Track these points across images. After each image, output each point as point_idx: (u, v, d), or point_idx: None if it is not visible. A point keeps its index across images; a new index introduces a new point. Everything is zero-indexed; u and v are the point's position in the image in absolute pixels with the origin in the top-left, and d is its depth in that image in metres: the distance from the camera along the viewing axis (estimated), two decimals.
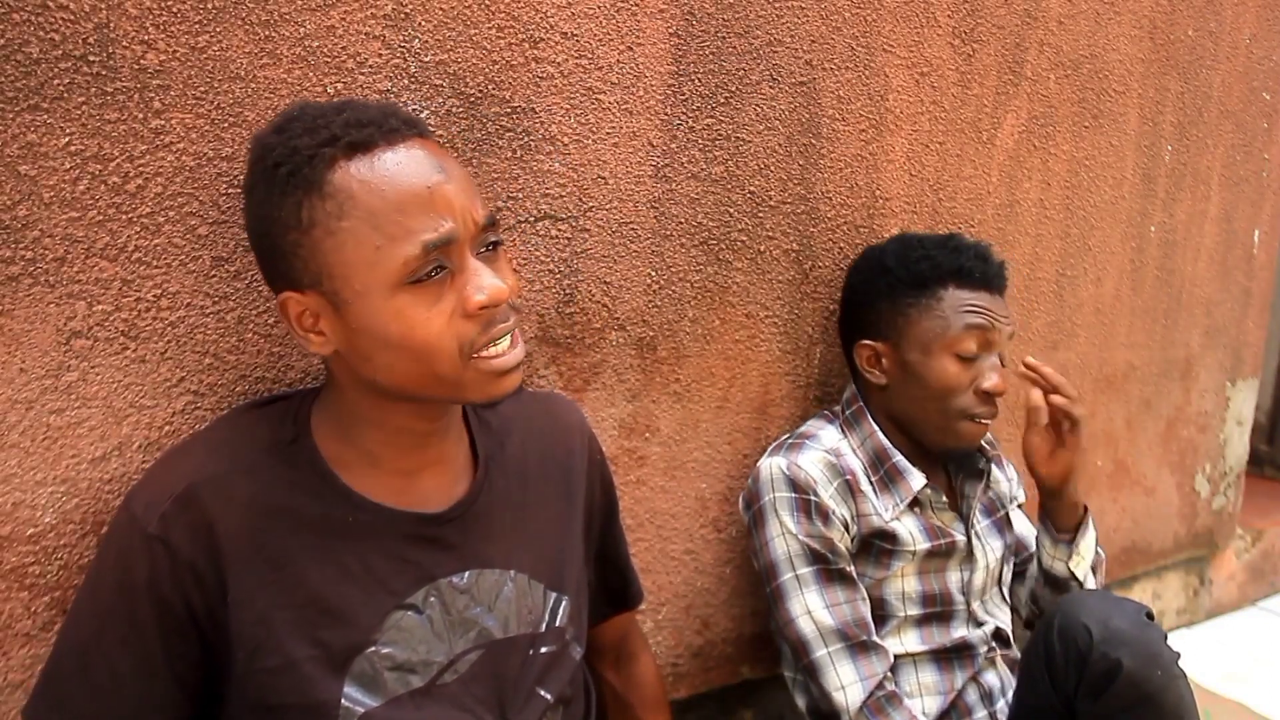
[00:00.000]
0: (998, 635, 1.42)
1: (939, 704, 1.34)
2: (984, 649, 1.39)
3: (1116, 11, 1.89)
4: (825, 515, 1.29)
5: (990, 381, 1.30)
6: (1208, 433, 2.47)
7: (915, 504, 1.36)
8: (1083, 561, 1.37)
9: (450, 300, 0.79)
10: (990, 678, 1.39)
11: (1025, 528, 1.55)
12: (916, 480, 1.34)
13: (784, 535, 1.30)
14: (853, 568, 1.33)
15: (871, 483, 1.35)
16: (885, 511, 1.33)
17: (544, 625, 0.95)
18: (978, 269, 1.32)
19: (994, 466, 1.47)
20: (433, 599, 0.88)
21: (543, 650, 0.94)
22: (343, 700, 0.82)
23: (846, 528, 1.31)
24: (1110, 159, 1.97)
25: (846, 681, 1.27)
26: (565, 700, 0.96)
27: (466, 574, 0.90)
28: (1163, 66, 2.03)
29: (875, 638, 1.30)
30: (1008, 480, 1.53)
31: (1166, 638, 1.20)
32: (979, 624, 1.40)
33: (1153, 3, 1.96)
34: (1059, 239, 1.91)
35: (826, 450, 1.35)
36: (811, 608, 1.29)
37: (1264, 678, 2.31)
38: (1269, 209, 2.46)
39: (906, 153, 1.59)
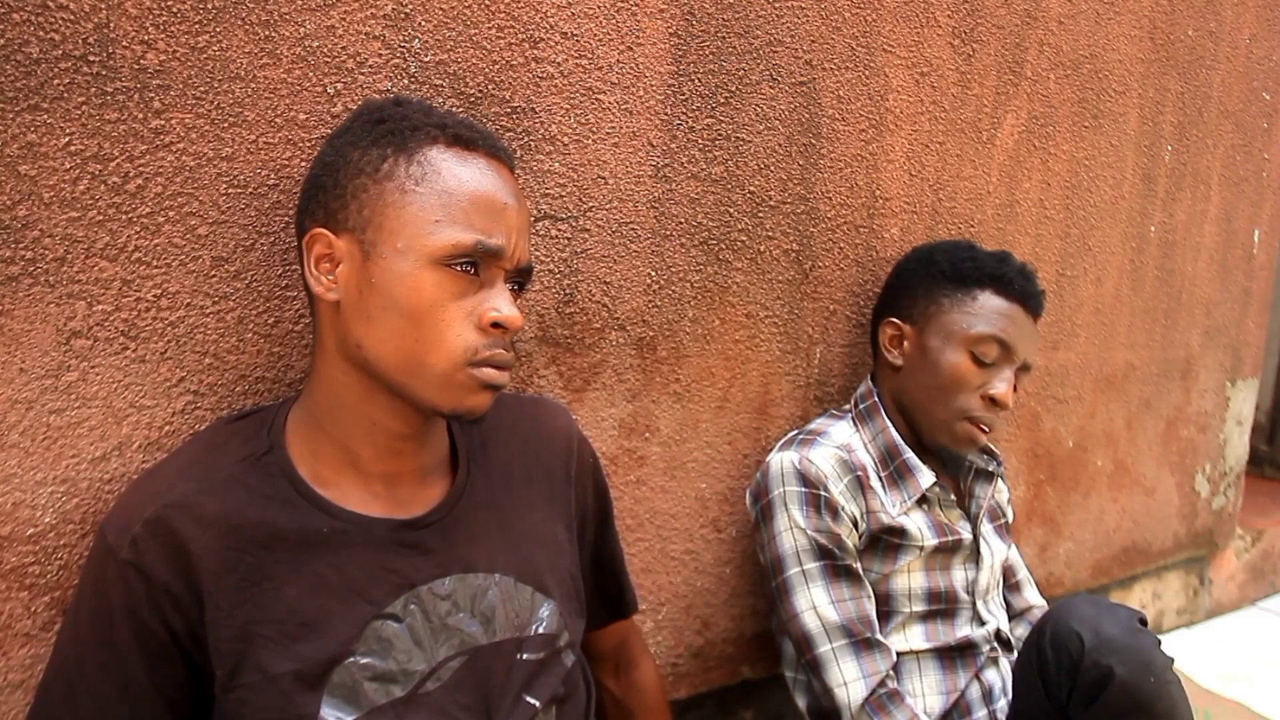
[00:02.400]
0: (998, 635, 1.42)
1: (942, 703, 1.35)
2: (986, 648, 1.39)
3: (1116, 11, 1.89)
4: (835, 511, 1.30)
5: (997, 389, 1.32)
6: (1208, 433, 2.47)
7: (924, 501, 1.37)
8: None
9: (470, 304, 0.83)
10: (991, 675, 1.39)
11: (1012, 552, 1.56)
12: (925, 478, 1.36)
13: (792, 530, 1.31)
14: (859, 564, 1.33)
15: (881, 479, 1.36)
16: (893, 507, 1.34)
17: (531, 629, 0.93)
18: (1018, 282, 1.35)
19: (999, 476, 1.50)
20: (413, 606, 0.86)
21: (529, 655, 0.93)
22: (321, 714, 0.81)
23: (855, 525, 1.32)
24: (1110, 159, 1.97)
25: (849, 678, 1.27)
26: (558, 702, 0.95)
27: (448, 579, 0.89)
28: (1163, 66, 2.03)
29: (879, 635, 1.30)
30: (1007, 493, 1.56)
31: (1159, 644, 1.19)
32: (982, 623, 1.41)
33: (1153, 3, 1.96)
34: (1059, 239, 1.91)
35: (838, 446, 1.35)
36: (817, 603, 1.29)
37: (1264, 678, 2.30)
38: (1269, 209, 2.46)
39: (906, 153, 1.59)
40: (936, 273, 1.38)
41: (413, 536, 0.88)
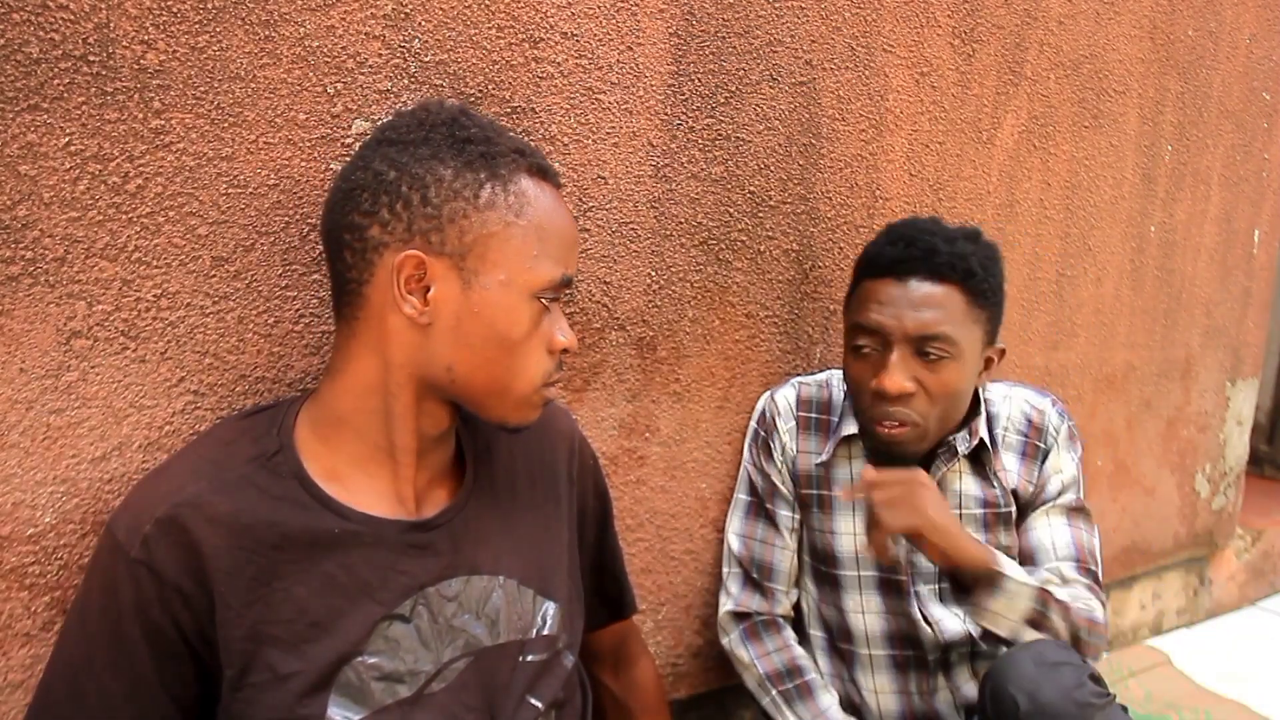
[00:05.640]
0: (948, 646, 1.34)
1: (898, 703, 1.36)
2: (932, 656, 1.34)
3: (1116, 11, 1.89)
4: (769, 452, 1.39)
5: (875, 380, 1.20)
6: (1208, 433, 2.47)
7: (874, 456, 1.30)
8: (1002, 620, 1.16)
9: (543, 330, 0.87)
10: (967, 689, 1.36)
11: (1046, 538, 1.33)
12: (848, 426, 1.33)
13: (745, 461, 1.45)
14: (788, 513, 1.38)
15: (833, 418, 1.37)
16: (825, 452, 1.35)
17: (534, 631, 0.94)
18: (886, 256, 1.22)
19: (1009, 457, 1.34)
20: (420, 607, 0.87)
21: (532, 657, 0.93)
22: (328, 714, 0.81)
23: (793, 465, 1.37)
24: (1110, 159, 1.97)
25: (726, 597, 1.43)
26: (558, 705, 0.95)
27: (454, 581, 0.89)
28: (1163, 66, 2.03)
29: (774, 584, 1.39)
30: (1032, 477, 1.35)
31: (1109, 702, 1.10)
32: (928, 621, 1.33)
33: (1153, 3, 1.96)
34: (1059, 239, 1.91)
35: (816, 382, 1.41)
36: (734, 530, 1.44)
37: (1264, 678, 2.31)
38: (1269, 209, 2.46)
39: (906, 153, 1.59)
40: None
41: (422, 538, 0.89)
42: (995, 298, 1.25)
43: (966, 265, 1.20)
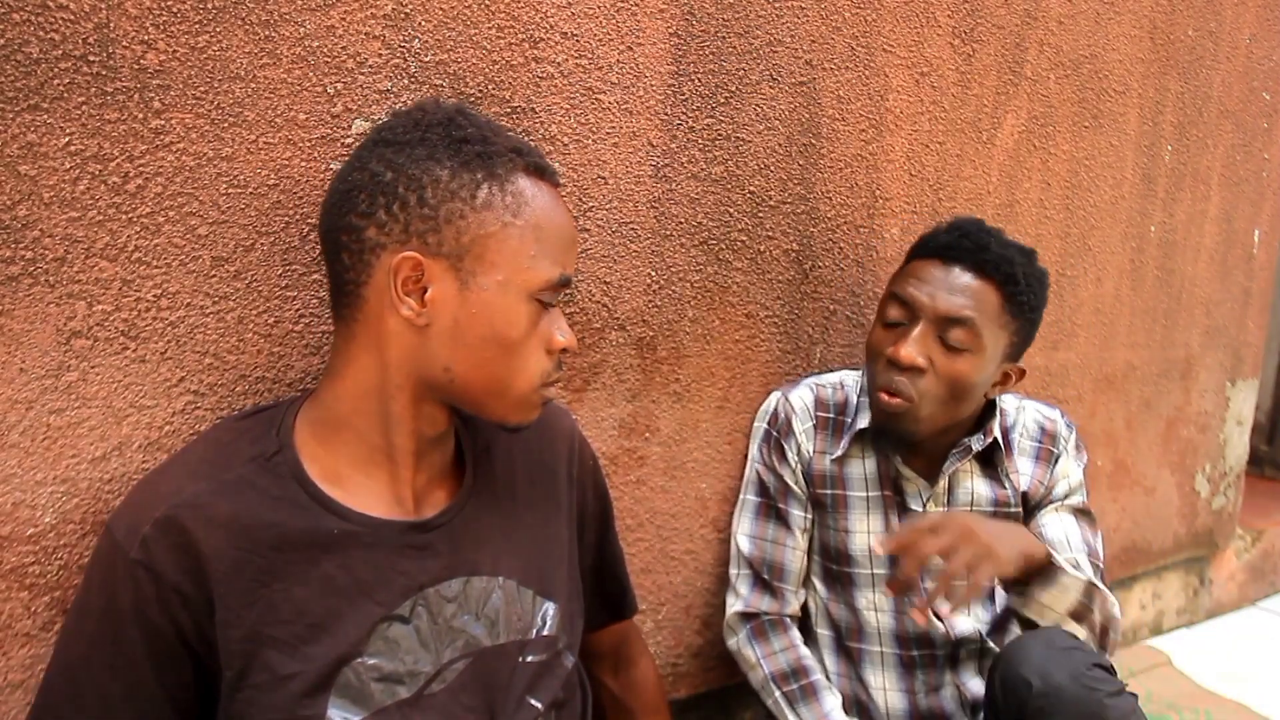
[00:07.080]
0: (961, 642, 1.36)
1: (903, 700, 1.36)
2: (942, 652, 1.35)
3: (1116, 11, 1.89)
4: (782, 453, 1.39)
5: (893, 346, 1.24)
6: (1208, 433, 2.47)
7: (883, 452, 1.34)
8: (1049, 611, 1.19)
9: (542, 330, 0.87)
10: (974, 685, 1.36)
11: (1059, 532, 1.36)
12: (862, 418, 1.35)
13: (753, 460, 1.44)
14: (800, 513, 1.38)
15: (850, 420, 1.38)
16: (840, 449, 1.36)
17: (533, 632, 0.94)
18: (939, 240, 1.29)
19: (1024, 461, 1.38)
20: (420, 608, 0.87)
21: (532, 658, 0.93)
22: (328, 714, 0.81)
23: (809, 465, 1.38)
24: (1110, 159, 1.97)
25: (734, 598, 1.42)
26: (558, 706, 0.95)
27: (454, 582, 0.89)
28: (1163, 66, 2.03)
29: (784, 585, 1.39)
30: (1044, 479, 1.39)
31: (1120, 691, 1.10)
32: (939, 618, 1.35)
33: (1153, 3, 1.96)
34: (1059, 239, 1.91)
35: (829, 384, 1.41)
36: (743, 531, 1.43)
37: (1264, 678, 2.31)
38: (1269, 209, 2.46)
39: (906, 153, 1.59)
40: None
41: (421, 539, 0.89)
42: (1030, 315, 1.29)
43: (1011, 270, 1.25)
